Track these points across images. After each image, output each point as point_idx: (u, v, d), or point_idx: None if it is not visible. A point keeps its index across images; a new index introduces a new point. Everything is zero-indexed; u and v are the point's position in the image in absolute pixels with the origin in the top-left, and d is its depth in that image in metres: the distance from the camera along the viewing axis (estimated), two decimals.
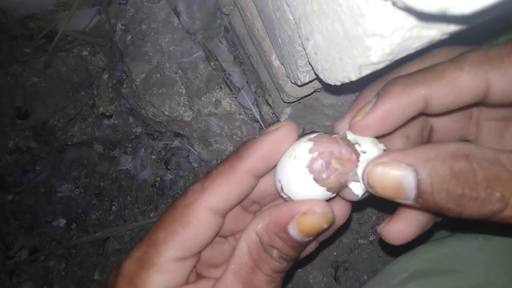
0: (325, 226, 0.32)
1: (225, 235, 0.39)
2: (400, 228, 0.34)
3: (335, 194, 0.33)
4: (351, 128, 0.33)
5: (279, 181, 0.33)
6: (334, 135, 0.33)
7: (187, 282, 0.35)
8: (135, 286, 0.32)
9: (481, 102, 0.31)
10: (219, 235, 0.39)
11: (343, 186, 0.33)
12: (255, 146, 0.33)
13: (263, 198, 0.37)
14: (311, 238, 0.33)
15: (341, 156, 0.32)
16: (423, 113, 0.32)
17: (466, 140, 0.38)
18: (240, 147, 0.34)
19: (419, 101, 0.30)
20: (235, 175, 0.33)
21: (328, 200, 0.34)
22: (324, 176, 0.31)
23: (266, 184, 0.35)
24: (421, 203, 0.27)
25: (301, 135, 0.43)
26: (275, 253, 0.32)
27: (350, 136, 0.32)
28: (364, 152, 0.31)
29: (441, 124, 0.37)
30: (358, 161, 0.32)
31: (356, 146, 0.32)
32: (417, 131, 0.36)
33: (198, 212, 0.33)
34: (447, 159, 0.26)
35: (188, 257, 0.34)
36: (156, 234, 0.33)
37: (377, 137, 0.33)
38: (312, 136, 0.33)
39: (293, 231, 0.32)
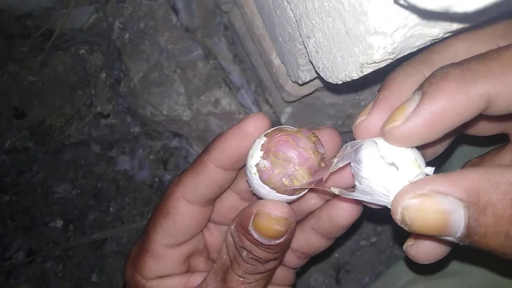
0: (278, 227, 0.30)
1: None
2: (429, 247, 0.29)
3: (295, 196, 0.31)
4: (384, 136, 0.25)
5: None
6: (294, 130, 0.31)
7: (187, 270, 0.38)
8: (135, 269, 0.36)
9: None
10: (225, 225, 0.39)
11: (295, 189, 0.30)
12: (220, 139, 0.33)
13: None
14: (281, 239, 0.31)
15: (285, 157, 0.30)
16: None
17: (503, 135, 0.33)
18: (212, 140, 0.34)
19: (481, 101, 0.23)
20: (202, 168, 0.34)
21: (296, 200, 0.32)
22: (264, 176, 0.30)
23: None
24: (469, 243, 0.23)
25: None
26: (244, 254, 0.32)
27: (383, 148, 0.25)
28: (397, 169, 0.25)
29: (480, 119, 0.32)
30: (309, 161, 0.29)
31: (392, 168, 0.25)
32: None
33: (174, 202, 0.35)
34: (508, 193, 0.21)
35: (177, 244, 0.36)
36: (149, 223, 0.36)
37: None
38: (269, 130, 0.32)
39: (255, 232, 0.31)
